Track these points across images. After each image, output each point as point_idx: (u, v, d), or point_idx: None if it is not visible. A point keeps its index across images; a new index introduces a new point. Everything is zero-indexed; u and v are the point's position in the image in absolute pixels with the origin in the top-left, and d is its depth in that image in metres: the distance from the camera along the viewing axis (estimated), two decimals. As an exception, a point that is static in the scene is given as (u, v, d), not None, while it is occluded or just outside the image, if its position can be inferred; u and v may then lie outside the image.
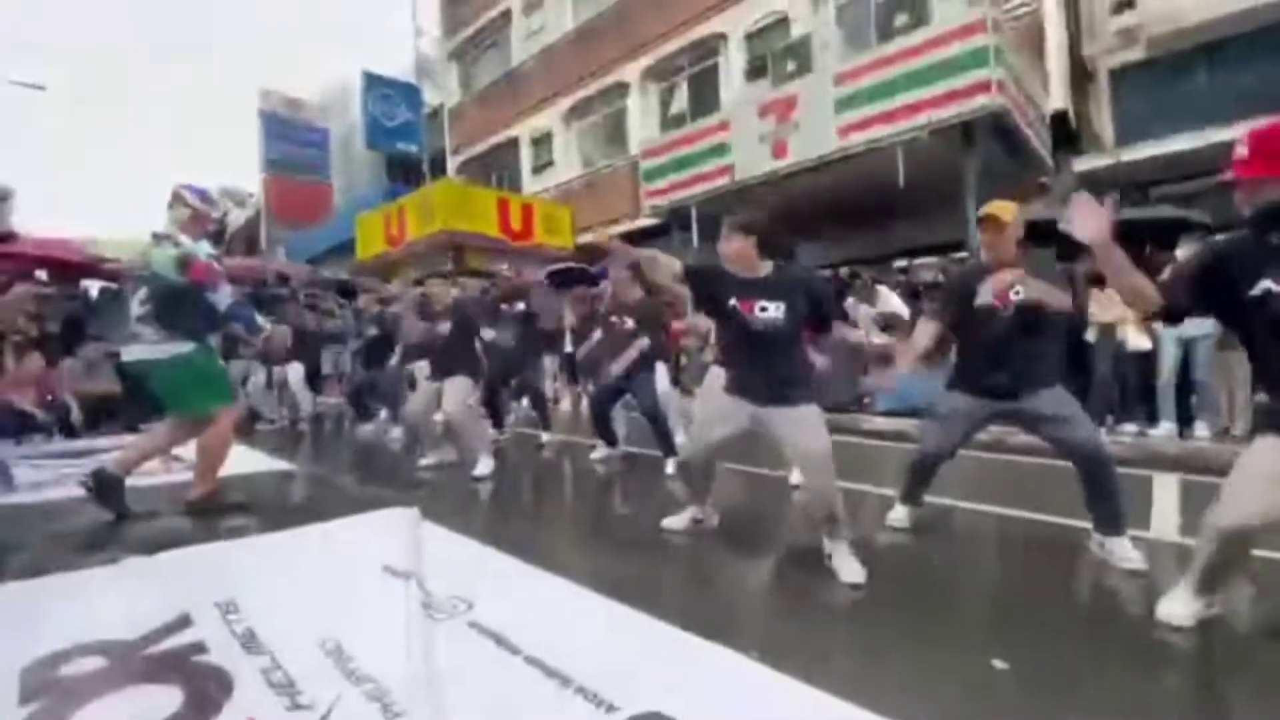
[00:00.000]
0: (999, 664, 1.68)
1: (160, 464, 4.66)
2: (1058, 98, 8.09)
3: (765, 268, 2.50)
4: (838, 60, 7.57)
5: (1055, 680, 1.63)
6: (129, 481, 3.20)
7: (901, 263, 10.47)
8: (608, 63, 13.41)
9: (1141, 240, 6.38)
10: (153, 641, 1.75)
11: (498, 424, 5.95)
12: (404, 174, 20.95)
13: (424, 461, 4.58)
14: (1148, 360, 5.15)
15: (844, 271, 9.83)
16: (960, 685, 1.60)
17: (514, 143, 15.90)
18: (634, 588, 2.14)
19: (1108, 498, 2.42)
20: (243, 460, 4.89)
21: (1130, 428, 5.22)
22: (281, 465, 4.70)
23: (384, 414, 6.54)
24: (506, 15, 16.00)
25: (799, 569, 2.44)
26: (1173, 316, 1.94)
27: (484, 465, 4.21)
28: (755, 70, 10.54)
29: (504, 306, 5.90)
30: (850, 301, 7.87)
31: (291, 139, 23.41)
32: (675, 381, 7.71)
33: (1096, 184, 7.96)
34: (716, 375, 3.23)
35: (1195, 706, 1.63)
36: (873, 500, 3.52)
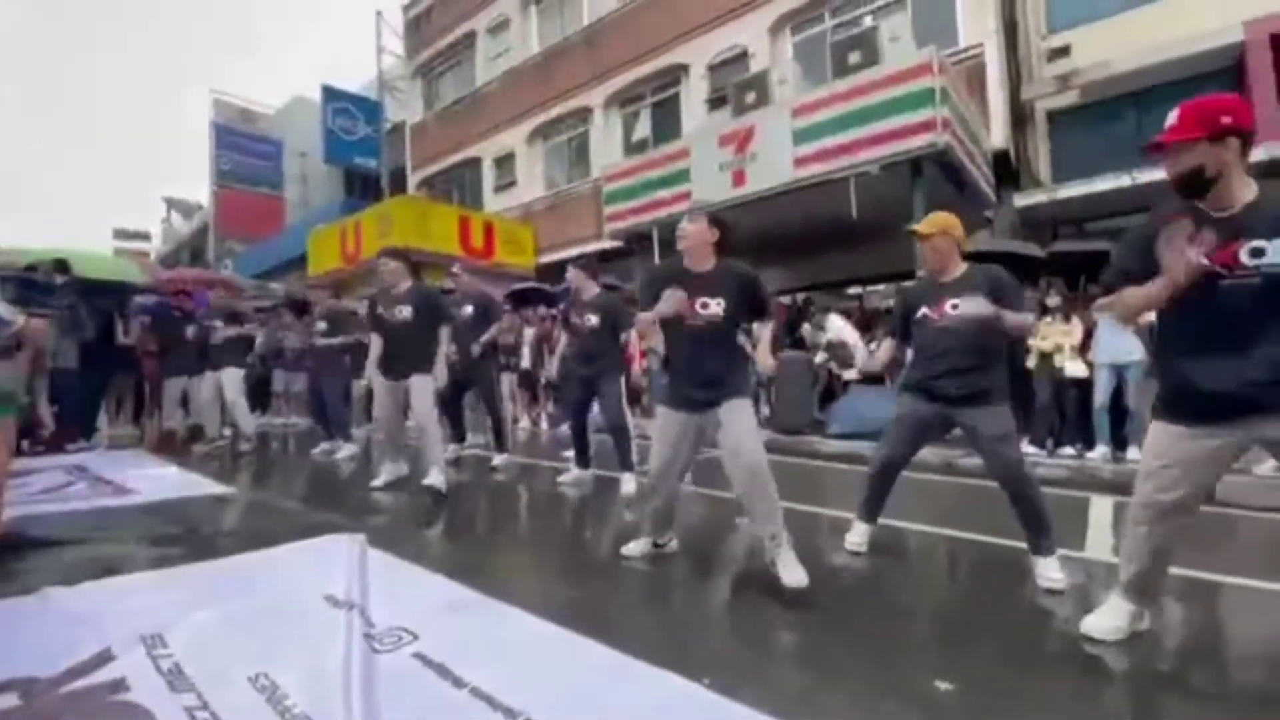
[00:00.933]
0: (942, 684, 1.71)
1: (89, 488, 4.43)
2: (999, 137, 8.54)
3: (711, 262, 2.59)
4: (795, 94, 7.83)
5: (994, 699, 1.67)
6: (52, 507, 3.00)
7: (855, 290, 10.83)
8: (572, 87, 13.56)
9: (1076, 271, 6.78)
10: (71, 678, 1.64)
11: (458, 436, 5.79)
12: (362, 189, 20.64)
13: (377, 481, 4.39)
14: (1084, 387, 5.41)
15: (799, 299, 10.13)
16: (904, 705, 1.63)
17: (476, 162, 15.86)
18: (587, 615, 2.12)
19: (1033, 520, 2.54)
20: (177, 483, 4.67)
21: (1069, 451, 5.46)
22: (220, 489, 4.48)
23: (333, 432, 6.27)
24: (471, 36, 16.07)
25: (753, 592, 2.45)
26: (1127, 280, 1.88)
27: (437, 476, 4.06)
28: (716, 101, 10.82)
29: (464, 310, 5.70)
30: (806, 328, 8.07)
31: (244, 150, 22.81)
32: (635, 400, 7.74)
33: (1035, 219, 8.43)
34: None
35: (1125, 724, 1.69)
36: (825, 522, 3.58)
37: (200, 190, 24.18)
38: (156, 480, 4.73)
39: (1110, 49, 8.33)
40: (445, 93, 17.19)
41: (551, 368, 5.26)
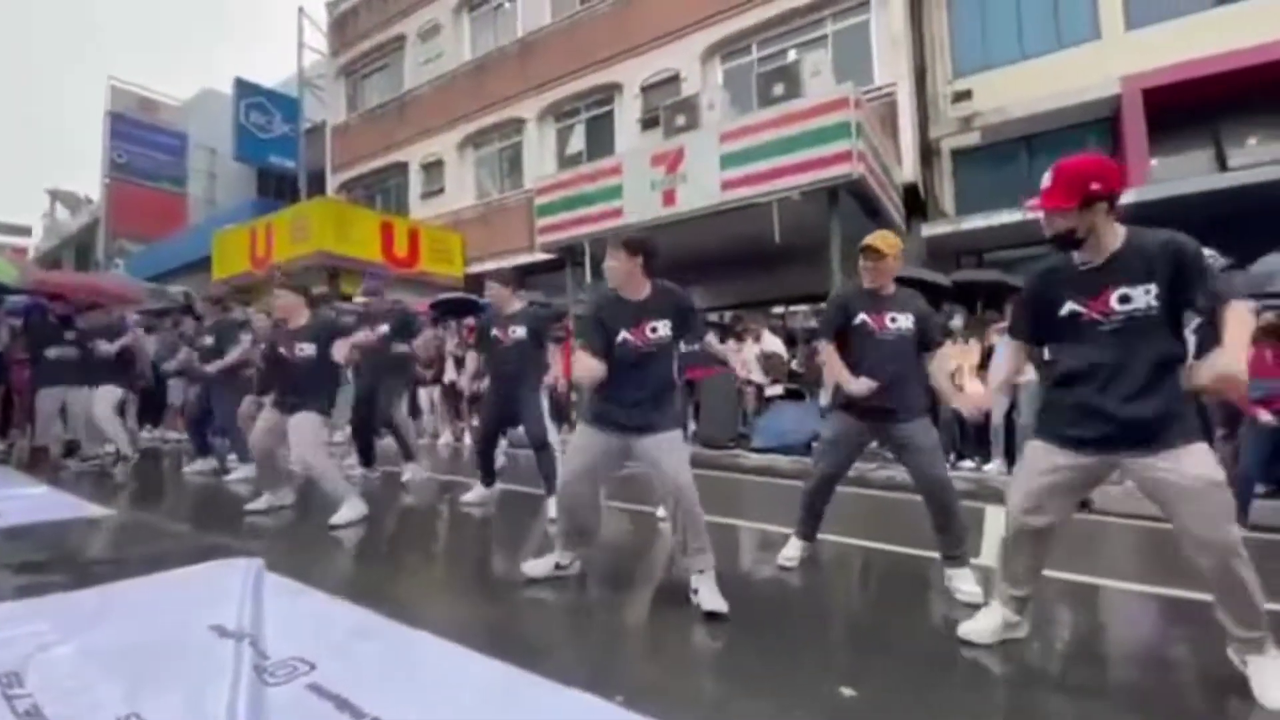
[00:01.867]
0: (847, 691, 1.78)
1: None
2: (909, 171, 9.13)
3: (646, 288, 2.57)
4: (723, 120, 8.09)
5: (895, 704, 1.75)
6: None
7: (779, 309, 11.23)
8: (505, 97, 13.44)
9: (974, 297, 7.32)
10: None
11: (367, 461, 5.53)
12: (277, 190, 19.59)
13: (253, 505, 4.07)
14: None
15: (725, 316, 10.41)
16: (810, 713, 1.67)
17: (403, 167, 15.38)
18: (498, 636, 2.06)
19: (951, 531, 2.65)
20: (48, 504, 4.21)
21: (968, 464, 5.84)
22: (98, 510, 4.07)
23: (223, 449, 5.77)
24: (400, 39, 15.66)
25: (668, 607, 2.46)
26: (1032, 343, 2.16)
27: (347, 512, 3.74)
28: (649, 121, 11.01)
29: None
30: (730, 343, 8.27)
31: (143, 142, 21.18)
32: (564, 417, 7.66)
33: (941, 248, 9.04)
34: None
35: (1009, 722, 1.81)
36: (744, 534, 3.65)
37: (91, 184, 22.16)
38: (24, 501, 4.27)
39: (1006, 96, 9.12)
40: (371, 94, 16.61)
41: (464, 381, 5.03)
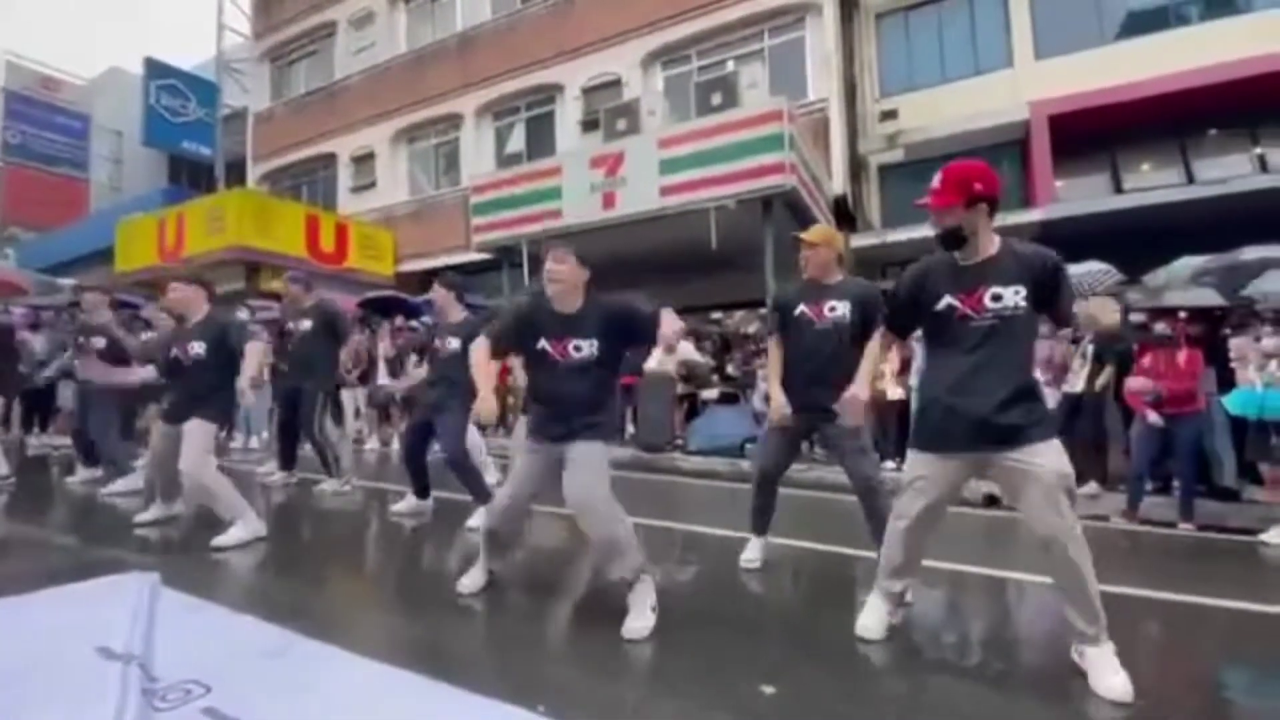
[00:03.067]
0: (768, 689, 1.81)
1: None
2: (839, 184, 9.49)
3: (578, 303, 2.47)
4: (663, 126, 8.16)
5: (814, 701, 1.79)
6: None
7: (717, 315, 11.43)
8: (443, 92, 13.09)
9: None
10: None
11: (287, 465, 5.20)
12: (192, 178, 18.39)
13: (142, 516, 3.76)
14: (901, 408, 6.10)
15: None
16: (730, 712, 1.69)
17: (331, 158, 14.72)
18: (415, 650, 1.99)
19: (882, 531, 2.66)
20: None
21: (889, 465, 6.10)
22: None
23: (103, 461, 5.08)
24: (331, 26, 15.00)
25: (590, 614, 2.44)
26: (901, 334, 2.39)
27: (238, 531, 3.33)
28: (590, 123, 10.99)
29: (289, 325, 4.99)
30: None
31: (41, 123, 19.46)
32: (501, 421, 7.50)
33: (868, 259, 9.44)
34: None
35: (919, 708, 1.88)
36: (678, 536, 3.68)
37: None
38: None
39: (928, 116, 9.64)
40: (297, 82, 15.82)
41: (402, 384, 4.73)
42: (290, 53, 15.96)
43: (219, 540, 3.26)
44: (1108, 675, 1.83)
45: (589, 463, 2.35)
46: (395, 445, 7.81)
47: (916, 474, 2.12)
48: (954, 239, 2.03)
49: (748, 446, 6.73)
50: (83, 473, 5.24)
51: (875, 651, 2.16)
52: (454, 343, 3.89)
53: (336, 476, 4.90)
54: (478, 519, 3.85)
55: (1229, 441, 4.77)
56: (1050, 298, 1.98)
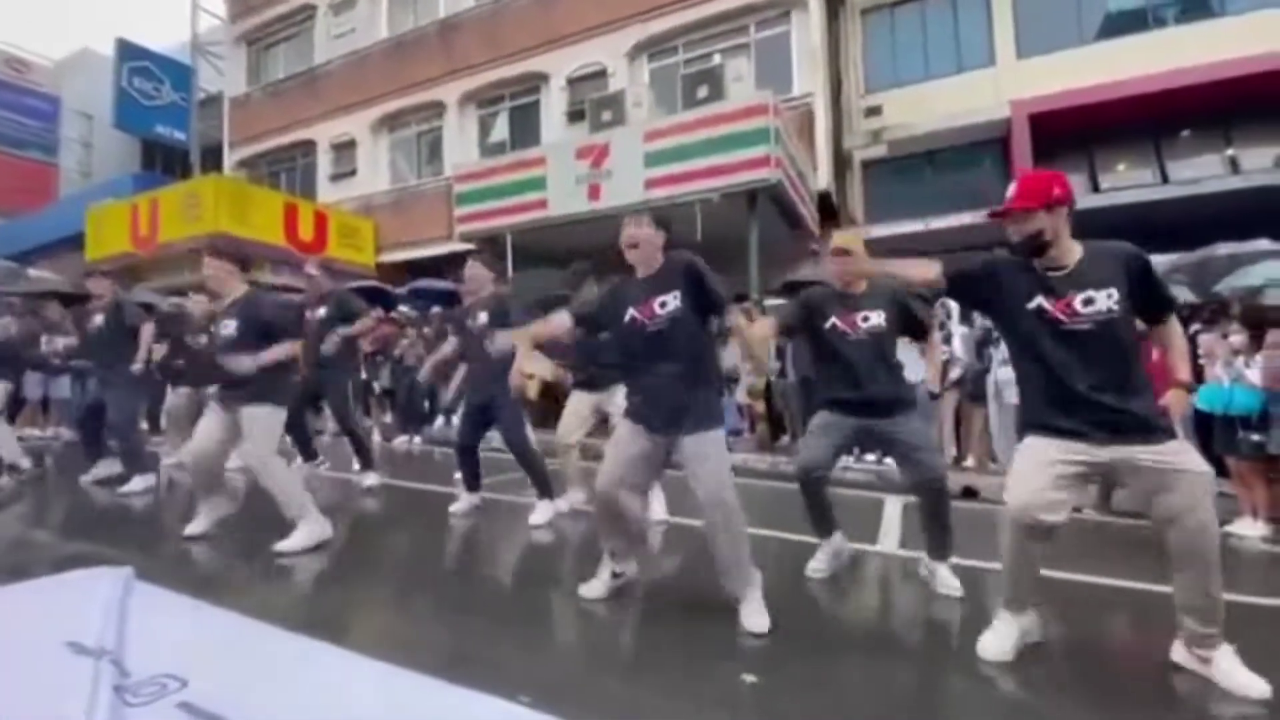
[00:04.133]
0: (750, 678, 1.83)
1: None
2: (824, 179, 9.54)
3: (658, 263, 2.42)
4: (648, 118, 8.13)
5: (795, 688, 1.81)
6: None
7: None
8: (425, 80, 12.90)
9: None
10: None
11: (307, 454, 5.01)
12: (166, 164, 17.93)
13: (192, 529, 3.36)
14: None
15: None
16: (712, 701, 1.71)
17: (310, 146, 14.46)
18: (401, 642, 1.98)
19: (939, 527, 2.64)
20: None
21: (870, 458, 6.17)
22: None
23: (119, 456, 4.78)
24: (310, 10, 14.68)
25: (577, 604, 2.44)
26: (952, 290, 2.20)
27: (307, 534, 3.15)
28: (575, 114, 10.91)
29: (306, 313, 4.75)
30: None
31: (8, 105, 18.83)
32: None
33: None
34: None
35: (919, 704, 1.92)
36: (657, 530, 3.68)
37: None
38: None
39: (912, 113, 9.72)
40: (275, 66, 15.48)
41: (426, 368, 4.51)
42: (268, 36, 15.61)
43: (286, 545, 3.11)
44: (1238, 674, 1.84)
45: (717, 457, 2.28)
46: (377, 438, 7.74)
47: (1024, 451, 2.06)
48: (1036, 245, 2.00)
49: (731, 440, 6.76)
50: (101, 468, 4.83)
51: (854, 640, 2.19)
52: (481, 317, 3.78)
53: (372, 468, 4.79)
54: (543, 513, 3.75)
55: (1196, 436, 4.89)
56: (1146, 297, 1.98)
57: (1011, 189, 2.06)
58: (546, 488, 3.80)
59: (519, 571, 2.86)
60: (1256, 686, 1.80)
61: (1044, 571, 2.06)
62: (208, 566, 2.94)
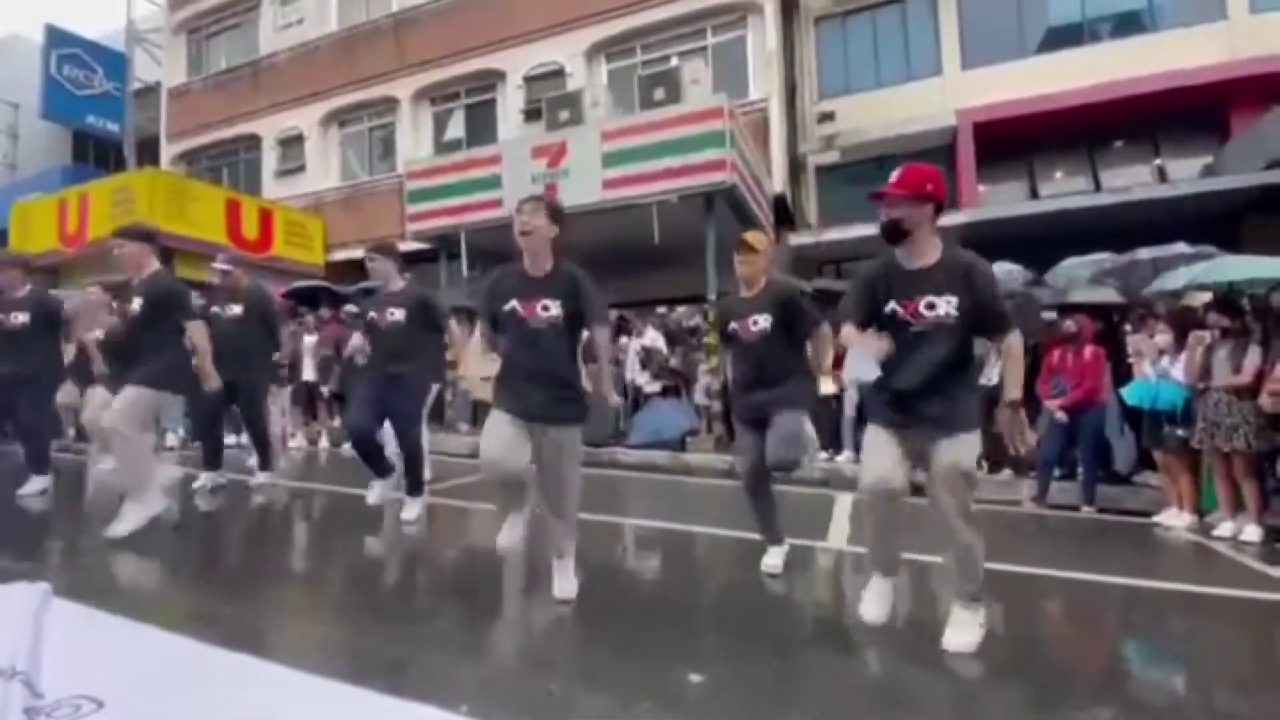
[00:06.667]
0: (695, 677, 1.83)
1: None
2: (779, 183, 9.68)
3: (549, 265, 2.43)
4: (606, 118, 8.10)
5: (740, 685, 1.82)
6: None
7: (661, 309, 11.48)
8: (377, 74, 12.56)
9: (831, 304, 7.87)
10: None
11: (211, 464, 4.62)
12: (99, 157, 17.02)
13: (117, 530, 3.16)
14: (833, 402, 6.29)
15: (613, 314, 10.46)
16: (658, 701, 1.70)
17: (255, 140, 13.90)
18: (336, 655, 1.91)
19: (763, 511, 2.84)
20: None
21: (823, 455, 6.29)
22: None
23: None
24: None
25: (516, 608, 2.40)
26: (869, 326, 2.25)
27: (139, 512, 3.13)
28: (532, 112, 10.80)
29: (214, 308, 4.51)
30: (622, 340, 8.34)
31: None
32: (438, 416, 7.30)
33: (805, 257, 9.68)
34: None
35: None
36: (610, 529, 3.67)
37: None
38: None
39: (863, 119, 9.96)
40: (217, 57, 14.83)
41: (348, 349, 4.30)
42: (209, 25, 14.96)
43: (112, 531, 3.06)
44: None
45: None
46: (324, 443, 7.49)
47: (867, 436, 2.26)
48: (896, 232, 2.09)
49: (688, 440, 6.80)
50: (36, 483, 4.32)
51: (802, 636, 2.22)
52: (397, 313, 3.62)
53: (271, 469, 4.64)
54: (414, 509, 3.73)
55: (1125, 431, 5.16)
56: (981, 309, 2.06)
57: (894, 175, 2.14)
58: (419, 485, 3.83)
59: (461, 577, 2.80)
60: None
61: (988, 565, 2.13)
62: (132, 579, 2.78)
